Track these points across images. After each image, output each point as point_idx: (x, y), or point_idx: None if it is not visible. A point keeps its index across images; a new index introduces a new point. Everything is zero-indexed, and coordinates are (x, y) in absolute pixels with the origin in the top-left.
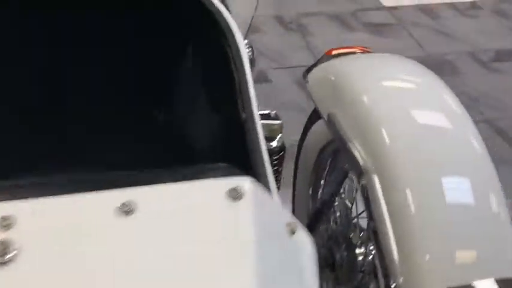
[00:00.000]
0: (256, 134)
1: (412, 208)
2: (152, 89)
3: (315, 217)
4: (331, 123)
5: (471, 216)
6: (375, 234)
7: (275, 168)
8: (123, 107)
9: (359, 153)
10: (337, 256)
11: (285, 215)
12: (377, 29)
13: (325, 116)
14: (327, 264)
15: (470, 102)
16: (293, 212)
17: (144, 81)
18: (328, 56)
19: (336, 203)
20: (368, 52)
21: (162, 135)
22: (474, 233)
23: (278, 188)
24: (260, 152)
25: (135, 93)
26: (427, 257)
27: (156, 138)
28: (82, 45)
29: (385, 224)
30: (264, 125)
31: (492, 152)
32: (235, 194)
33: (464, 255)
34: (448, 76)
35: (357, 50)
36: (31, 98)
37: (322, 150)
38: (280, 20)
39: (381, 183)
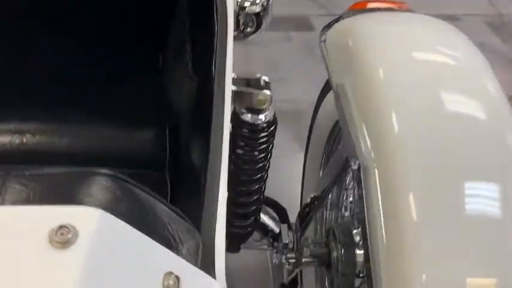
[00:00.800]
0: (221, 111)
1: (413, 218)
2: (149, 39)
3: (311, 205)
4: (337, 96)
5: (494, 236)
6: (364, 241)
7: (263, 146)
8: (121, 56)
9: (362, 140)
10: (334, 254)
11: (164, 263)
12: None
13: (334, 87)
14: (321, 262)
15: None
16: (301, 195)
17: (141, 31)
18: (353, 11)
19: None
20: (405, 10)
21: (153, 87)
22: (495, 257)
23: (267, 167)
24: (219, 134)
25: (132, 45)
26: (424, 278)
27: (148, 91)
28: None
29: (376, 234)
30: (250, 95)
31: None
32: (61, 237)
33: (477, 284)
34: None
35: (392, 6)
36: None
37: (334, 127)
38: None
39: (380, 181)
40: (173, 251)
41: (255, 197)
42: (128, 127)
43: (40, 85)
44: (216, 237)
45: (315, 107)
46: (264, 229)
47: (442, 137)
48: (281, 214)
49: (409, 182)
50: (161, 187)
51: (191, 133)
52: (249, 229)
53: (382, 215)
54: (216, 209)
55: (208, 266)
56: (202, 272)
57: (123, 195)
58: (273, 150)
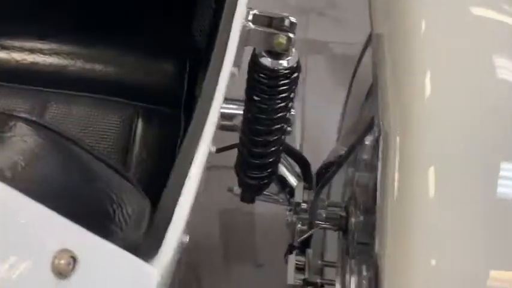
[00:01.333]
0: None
1: (430, 195)
2: None
3: (332, 164)
4: (374, 47)
5: None
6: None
7: (283, 94)
8: None
9: (390, 101)
10: (352, 220)
11: (58, 239)
12: None
13: (373, 38)
14: (337, 226)
15: None
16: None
17: None
18: None
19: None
20: None
21: (177, 18)
22: None
23: (287, 117)
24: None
25: None
26: (433, 263)
27: (171, 23)
28: None
29: (387, 206)
30: (269, 36)
31: None
32: None
33: (499, 278)
34: None
35: None
36: None
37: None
38: None
39: (400, 150)
40: (102, 220)
41: (273, 149)
42: (145, 57)
43: (60, 6)
44: (178, 204)
45: (359, 57)
46: (283, 182)
47: (479, 109)
48: (305, 169)
49: (431, 154)
50: (173, 127)
51: (204, 70)
52: (264, 181)
53: (396, 187)
54: (190, 167)
55: (154, 240)
56: (121, 251)
57: (42, 148)
58: (321, 97)
